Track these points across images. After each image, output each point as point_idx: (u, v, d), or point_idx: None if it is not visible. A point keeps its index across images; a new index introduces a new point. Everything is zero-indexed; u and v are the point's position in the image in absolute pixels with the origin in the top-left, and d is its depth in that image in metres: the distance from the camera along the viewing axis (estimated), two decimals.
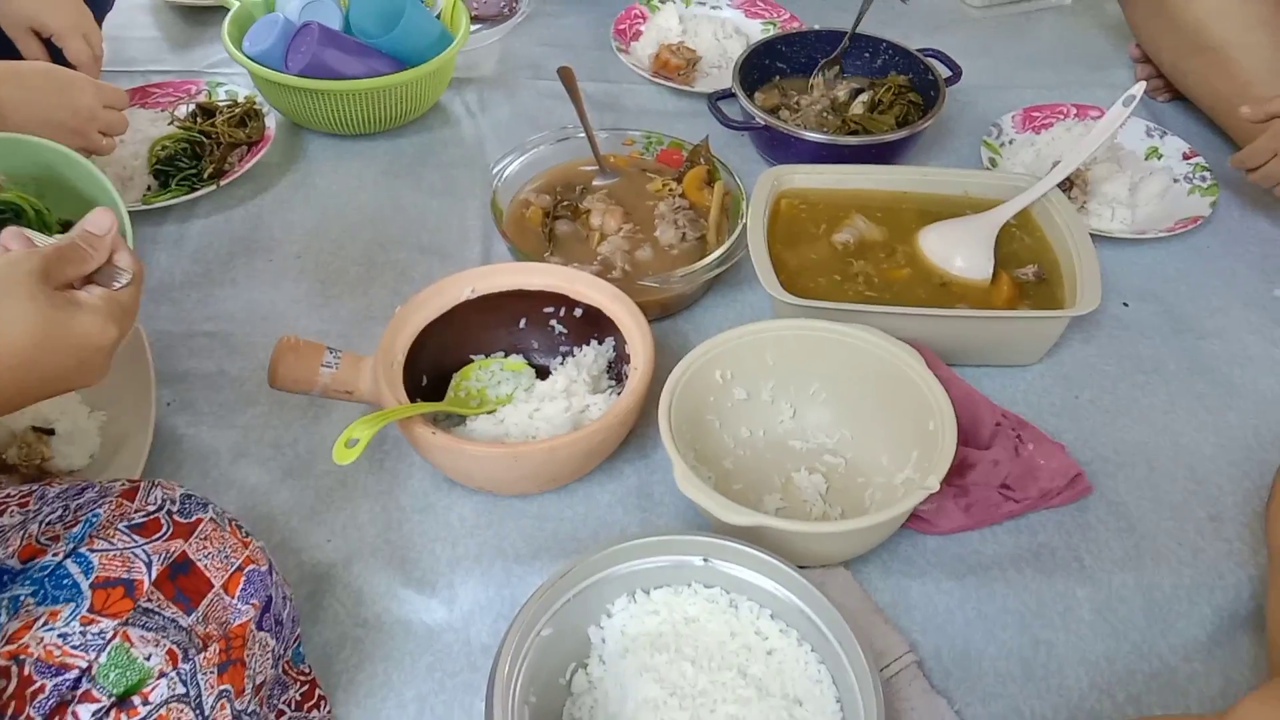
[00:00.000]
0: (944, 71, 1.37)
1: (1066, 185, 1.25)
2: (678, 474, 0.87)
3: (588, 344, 1.07)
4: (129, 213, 1.03)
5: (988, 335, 1.08)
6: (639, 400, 0.95)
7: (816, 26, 1.43)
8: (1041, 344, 1.09)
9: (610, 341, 1.06)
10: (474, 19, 1.59)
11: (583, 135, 1.28)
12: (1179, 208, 1.28)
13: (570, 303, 1.06)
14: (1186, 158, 1.35)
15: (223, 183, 1.28)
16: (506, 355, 1.08)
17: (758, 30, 1.59)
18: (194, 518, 0.72)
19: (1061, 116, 1.41)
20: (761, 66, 1.40)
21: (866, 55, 1.43)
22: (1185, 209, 1.28)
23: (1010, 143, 1.39)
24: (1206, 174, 1.32)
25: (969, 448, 0.97)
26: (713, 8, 1.61)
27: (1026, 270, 1.12)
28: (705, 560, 0.82)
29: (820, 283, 1.12)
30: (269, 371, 0.96)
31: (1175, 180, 1.33)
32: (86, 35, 1.23)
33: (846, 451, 1.00)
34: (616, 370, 1.05)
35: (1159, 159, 1.36)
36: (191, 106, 1.37)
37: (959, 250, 1.14)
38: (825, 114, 1.34)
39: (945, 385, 0.98)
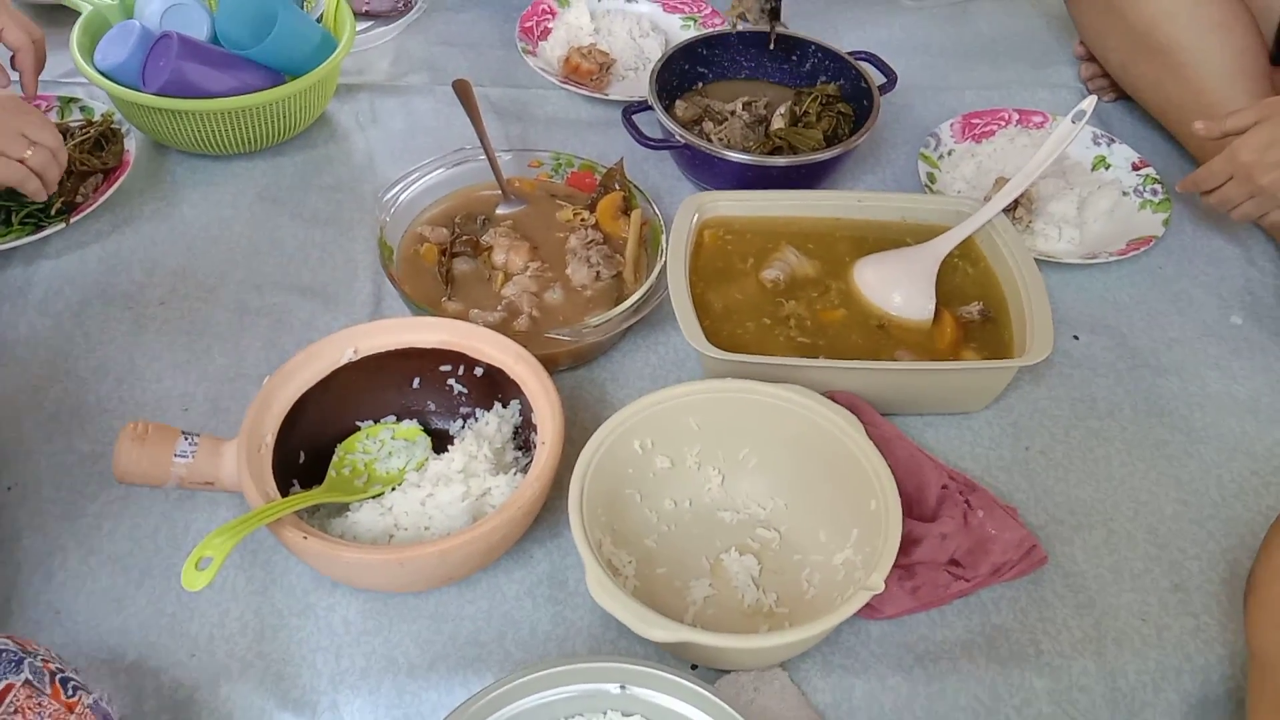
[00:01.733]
0: (877, 77, 1.26)
1: (1010, 205, 1.15)
2: (590, 580, 0.76)
3: (490, 407, 0.95)
4: None
5: (930, 386, 0.98)
6: (545, 486, 0.84)
7: (741, 27, 1.31)
8: (988, 393, 1.00)
9: (515, 405, 0.94)
10: (365, 15, 1.44)
11: (483, 157, 1.15)
12: (1130, 226, 1.20)
13: (470, 361, 0.94)
14: (1136, 168, 1.26)
15: (75, 218, 1.12)
16: (399, 420, 0.96)
17: (676, 26, 1.46)
18: (2, 685, 0.60)
19: (1003, 124, 1.32)
20: (681, 72, 1.28)
21: (794, 59, 1.31)
22: (1137, 227, 1.19)
23: (949, 154, 1.29)
24: (1158, 187, 1.23)
25: (914, 519, 0.88)
26: (627, 1, 1.48)
27: (971, 309, 1.03)
28: (622, 688, 0.72)
29: (749, 327, 1.01)
30: (113, 462, 0.82)
31: (1124, 193, 1.24)
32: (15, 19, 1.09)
33: (781, 524, 0.90)
34: (524, 436, 0.94)
35: (1106, 169, 1.27)
36: None
37: (897, 287, 1.03)
38: (748, 128, 1.23)
39: (887, 446, 0.89)
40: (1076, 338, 1.10)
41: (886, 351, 1.00)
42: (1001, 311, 1.03)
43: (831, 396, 0.92)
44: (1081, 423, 1.02)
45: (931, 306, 1.02)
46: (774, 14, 1.26)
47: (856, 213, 1.10)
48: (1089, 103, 1.08)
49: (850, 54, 1.28)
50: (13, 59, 1.12)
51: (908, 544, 0.86)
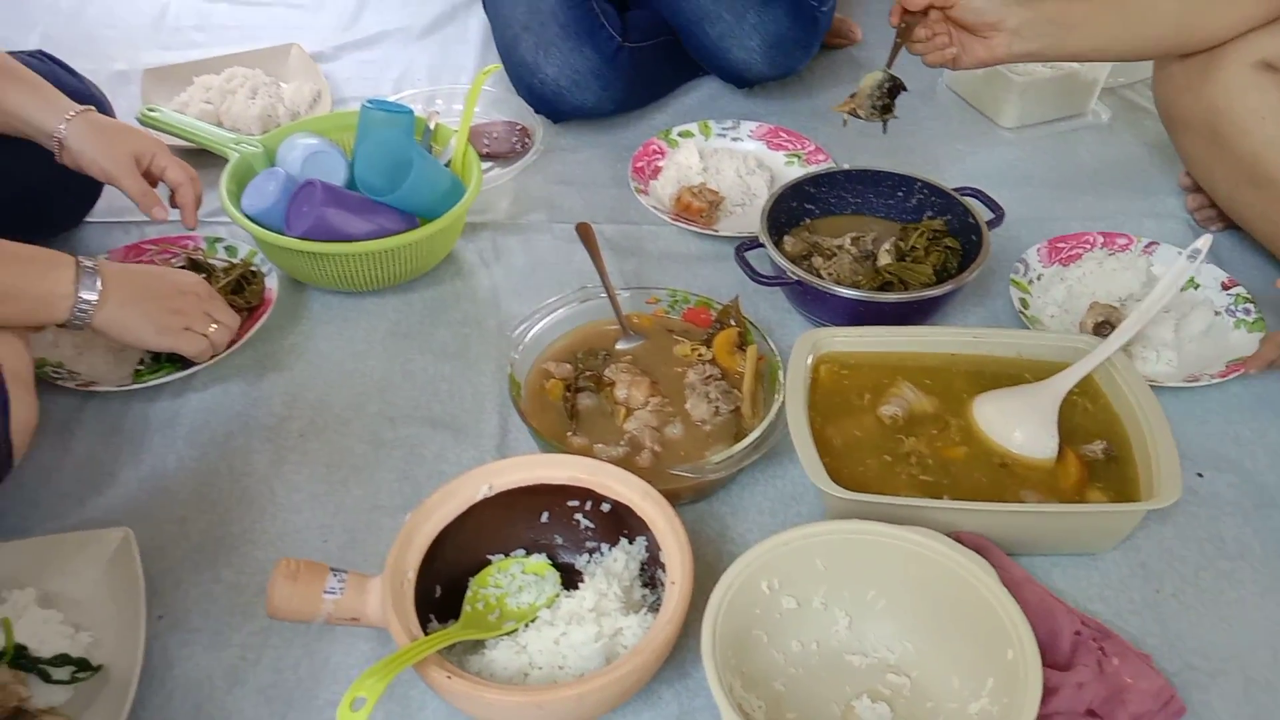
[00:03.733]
0: (984, 213, 1.29)
1: (1106, 328, 1.16)
2: None
3: (617, 543, 0.97)
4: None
5: (1059, 527, 0.98)
6: (677, 629, 0.85)
7: (846, 166, 1.36)
8: (1116, 534, 1.00)
9: (642, 541, 0.96)
10: (485, 156, 1.52)
11: (604, 294, 1.20)
12: (1226, 346, 1.20)
13: (597, 497, 0.97)
14: (1225, 287, 1.27)
15: (220, 354, 1.19)
16: (528, 554, 0.98)
17: (781, 163, 1.51)
18: None
19: (1089, 246, 1.34)
20: (789, 209, 1.33)
21: (899, 194, 1.35)
22: (1233, 348, 1.20)
23: (1039, 279, 1.31)
24: (1250, 306, 1.24)
25: (1050, 668, 0.87)
26: (733, 140, 1.54)
27: (1094, 447, 1.03)
28: None
29: (869, 465, 1.02)
30: (266, 599, 0.86)
31: (1217, 313, 1.24)
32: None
33: (911, 669, 0.90)
34: (650, 573, 0.96)
35: (1196, 289, 1.28)
36: (183, 263, 1.30)
37: (1019, 425, 1.04)
38: (857, 263, 1.26)
39: (1017, 590, 0.88)
40: (1200, 475, 1.09)
41: (1011, 491, 1.00)
42: (1125, 449, 1.03)
43: (958, 537, 0.93)
44: (1211, 564, 1.01)
45: (1054, 445, 1.03)
46: (885, 109, 1.29)
47: (972, 348, 1.12)
48: (1204, 241, 1.09)
49: (956, 189, 1.31)
50: (172, 196, 1.21)
51: (1044, 693, 0.85)
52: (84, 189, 1.31)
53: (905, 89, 1.27)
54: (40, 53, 1.28)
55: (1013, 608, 0.83)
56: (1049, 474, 1.02)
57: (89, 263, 1.02)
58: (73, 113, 1.14)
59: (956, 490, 1.00)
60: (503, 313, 1.30)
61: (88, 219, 1.38)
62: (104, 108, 1.24)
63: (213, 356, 1.16)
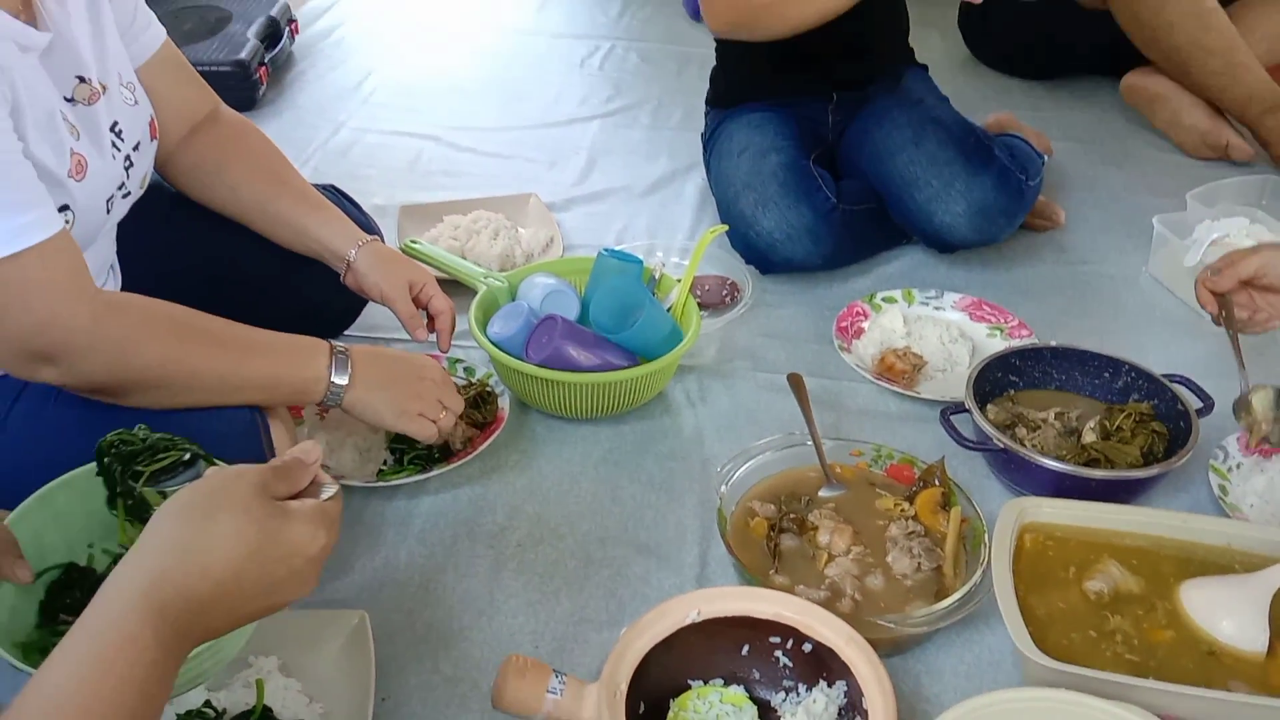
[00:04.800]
0: (1193, 401, 1.30)
1: None
2: None
3: (815, 685, 1.00)
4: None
5: None
6: None
7: (1053, 343, 1.40)
8: None
9: (841, 686, 0.99)
10: (698, 305, 1.63)
11: (808, 442, 1.26)
12: None
13: (800, 636, 1.01)
14: None
15: (454, 463, 1.31)
16: (726, 684, 1.03)
17: (983, 334, 1.57)
18: None
19: None
20: (994, 379, 1.37)
21: (1105, 375, 1.37)
22: None
23: (1238, 467, 1.30)
24: None
25: None
26: (936, 308, 1.61)
27: None
28: None
29: (1073, 639, 1.03)
30: (494, 691, 0.94)
31: None
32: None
33: None
34: (848, 719, 0.98)
35: None
36: None
37: (1228, 615, 1.03)
38: (1061, 437, 1.29)
39: None
40: None
41: (1218, 680, 0.99)
42: None
43: None
44: None
45: (1265, 639, 1.01)
46: None
47: (1181, 533, 1.12)
48: None
49: (1165, 375, 1.33)
50: (431, 321, 1.36)
51: None
52: (351, 306, 1.48)
53: None
54: (331, 187, 1.47)
55: None
56: (1259, 667, 1.00)
57: (341, 348, 1.15)
58: (362, 242, 1.31)
59: (1162, 673, 0.99)
60: (705, 451, 1.38)
61: (346, 331, 1.55)
62: (382, 239, 1.41)
63: (445, 447, 1.28)
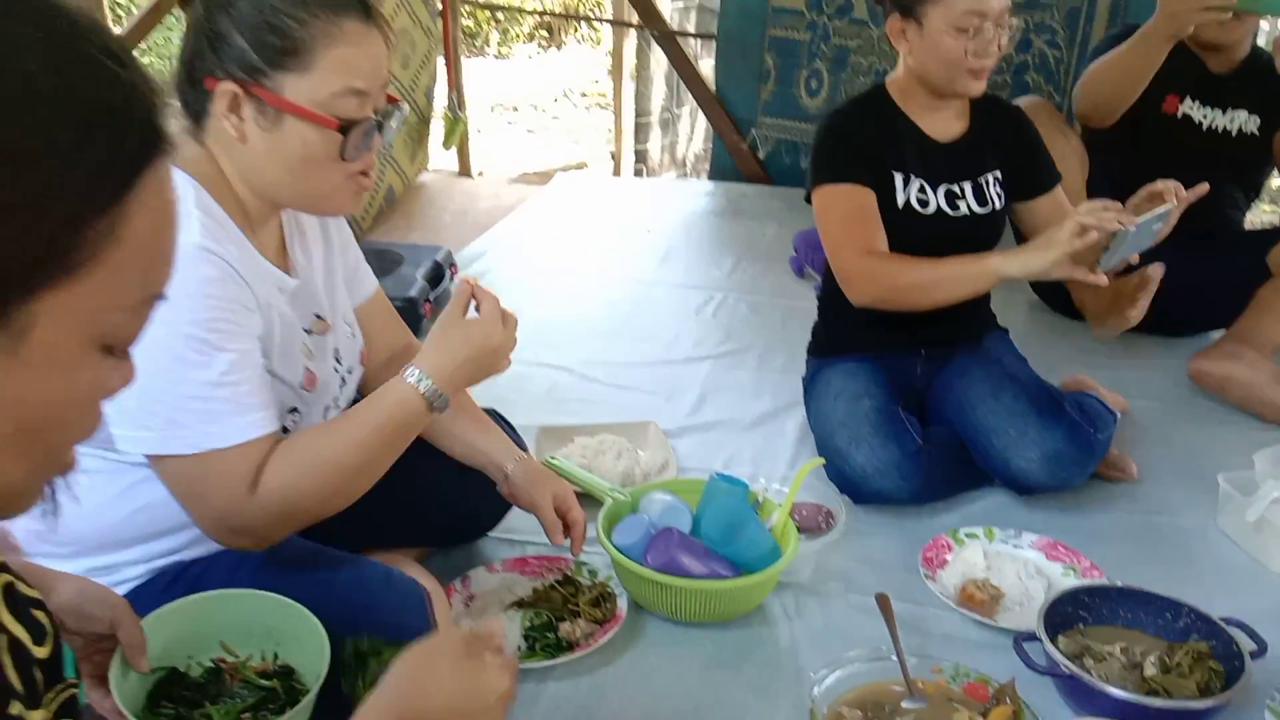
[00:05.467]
0: (1248, 643, 1.42)
1: None
2: None
3: None
4: None
5: None
6: None
7: (1119, 584, 1.55)
8: None
9: None
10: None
11: (894, 658, 1.42)
12: None
13: None
14: None
15: (577, 653, 1.51)
16: None
17: (1058, 573, 1.72)
18: None
19: None
20: (1065, 613, 1.52)
21: (1167, 615, 1.51)
22: None
23: None
24: None
25: None
26: (1015, 546, 1.78)
27: None
28: None
29: None
30: None
31: None
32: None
33: None
34: None
35: None
36: (557, 579, 1.66)
37: None
38: (1125, 670, 1.42)
39: None
40: None
41: None
42: None
43: None
44: None
45: None
46: None
47: None
48: None
49: (1222, 618, 1.46)
50: (567, 528, 1.58)
51: None
52: (496, 513, 1.73)
53: None
54: (491, 410, 1.76)
55: None
56: None
57: (428, 384, 1.28)
58: (519, 457, 1.57)
59: None
60: (799, 661, 1.54)
61: (490, 534, 1.79)
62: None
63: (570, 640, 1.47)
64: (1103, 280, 1.74)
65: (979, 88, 1.89)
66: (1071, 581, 1.68)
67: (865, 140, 1.94)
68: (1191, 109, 2.53)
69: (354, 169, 1.28)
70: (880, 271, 1.89)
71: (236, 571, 1.34)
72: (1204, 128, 2.53)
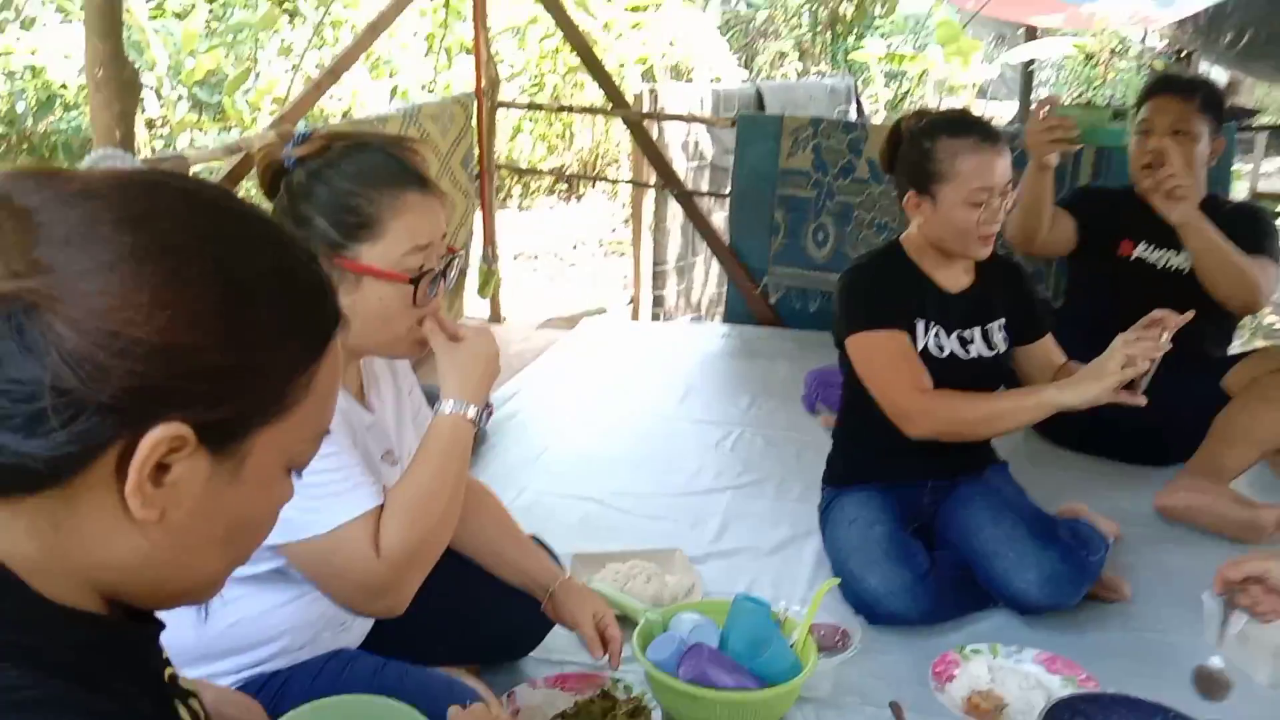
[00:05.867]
0: None
1: None
2: None
3: None
4: None
5: None
6: None
7: (1111, 690, 1.69)
8: None
9: None
10: None
11: None
12: None
13: None
14: None
15: None
16: None
17: (1057, 685, 1.86)
18: None
19: None
20: (1062, 718, 1.65)
21: (1157, 718, 1.65)
22: None
23: None
24: None
25: None
26: (1017, 661, 1.92)
27: None
28: None
29: None
30: None
31: None
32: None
33: None
34: None
35: None
36: (596, 693, 1.80)
37: None
38: None
39: None
40: None
41: None
42: None
43: None
44: None
45: None
46: None
47: None
48: None
49: None
50: (604, 644, 1.74)
51: None
52: (539, 629, 1.89)
53: None
54: (534, 536, 1.94)
55: None
56: None
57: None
58: (561, 578, 1.74)
59: None
60: None
61: (531, 655, 1.94)
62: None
63: None
64: (1142, 400, 1.93)
65: (987, 251, 2.14)
66: (1070, 692, 1.81)
67: (892, 291, 2.17)
68: (1145, 252, 2.80)
69: (423, 314, 1.50)
70: (942, 407, 2.08)
71: (316, 680, 1.50)
72: (1158, 267, 2.79)
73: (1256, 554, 1.63)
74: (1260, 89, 13.04)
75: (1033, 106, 2.60)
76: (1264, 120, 9.30)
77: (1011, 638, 2.01)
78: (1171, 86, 2.73)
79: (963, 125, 2.09)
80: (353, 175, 1.43)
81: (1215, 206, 2.70)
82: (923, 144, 2.10)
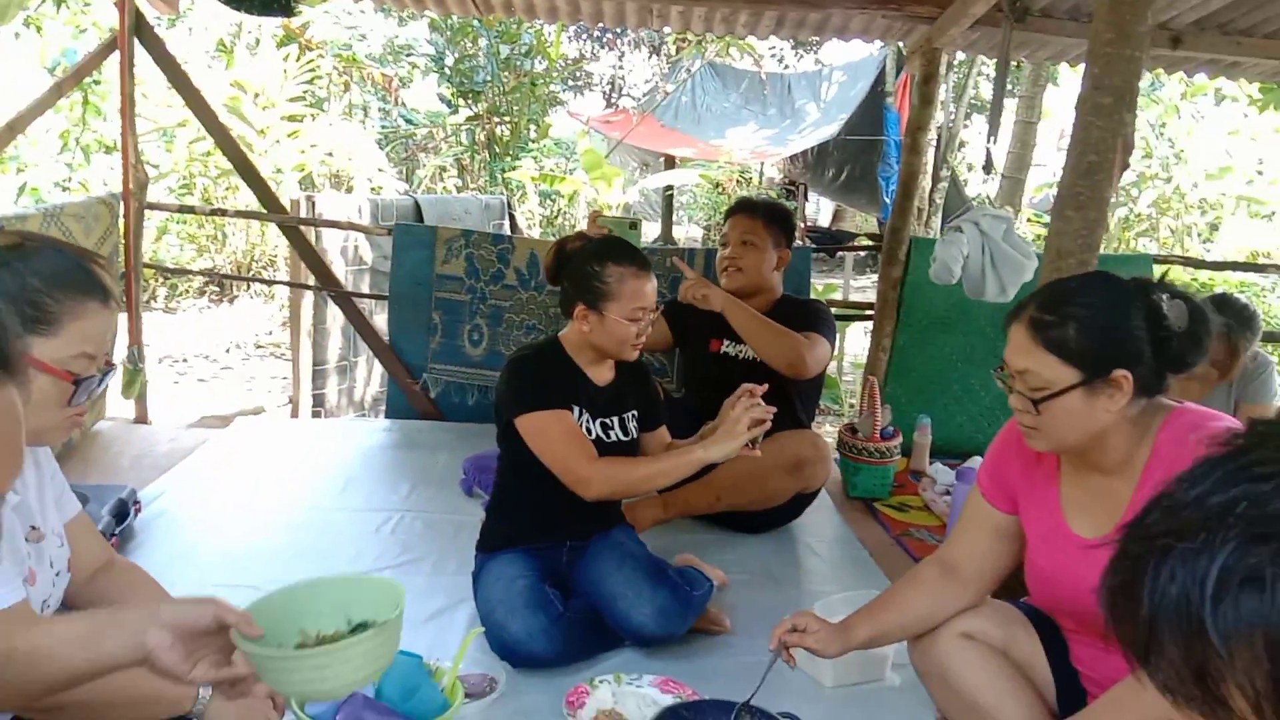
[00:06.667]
0: None
1: None
2: None
3: None
4: None
5: None
6: None
7: (708, 696, 2.05)
8: None
9: None
10: (465, 695, 2.19)
11: None
12: None
13: None
14: None
15: None
16: None
17: (670, 699, 2.19)
18: None
19: None
20: None
21: (745, 716, 2.01)
22: None
23: None
24: None
25: None
26: (637, 685, 2.24)
27: None
28: None
29: None
30: None
31: None
32: None
33: None
34: None
35: None
36: None
37: None
38: None
39: None
40: None
41: None
42: None
43: None
44: None
45: None
46: None
47: None
48: None
49: (781, 713, 1.98)
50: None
51: None
52: None
53: None
54: None
55: None
56: None
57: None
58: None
59: None
60: None
61: None
62: None
63: None
64: (759, 454, 2.35)
65: (635, 355, 2.53)
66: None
67: (556, 378, 2.49)
68: (728, 347, 3.39)
69: (73, 413, 1.60)
70: (615, 472, 2.40)
71: None
72: (739, 358, 3.37)
73: (798, 615, 2.03)
74: (860, 217, 15.33)
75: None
76: (863, 240, 10.90)
77: (634, 668, 2.34)
78: (744, 207, 3.40)
79: (625, 253, 2.49)
80: (44, 275, 1.54)
81: (788, 303, 3.34)
82: (592, 265, 2.47)
